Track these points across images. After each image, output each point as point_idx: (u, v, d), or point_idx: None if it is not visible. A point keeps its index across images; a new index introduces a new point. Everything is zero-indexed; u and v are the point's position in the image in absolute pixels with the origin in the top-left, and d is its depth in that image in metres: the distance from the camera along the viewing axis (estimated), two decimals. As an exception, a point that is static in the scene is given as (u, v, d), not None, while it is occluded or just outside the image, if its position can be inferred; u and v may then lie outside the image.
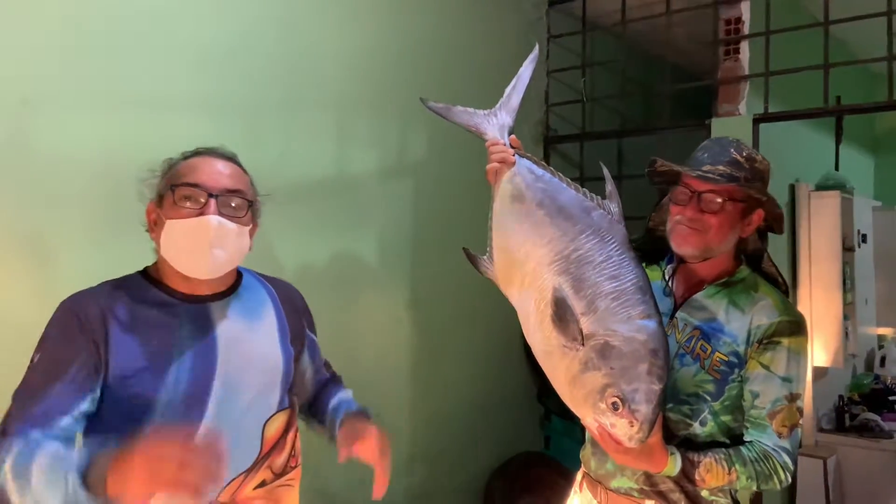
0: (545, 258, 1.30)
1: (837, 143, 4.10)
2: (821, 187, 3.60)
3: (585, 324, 1.24)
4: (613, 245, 1.29)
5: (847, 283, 3.47)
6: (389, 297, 2.60)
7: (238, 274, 1.34)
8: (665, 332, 1.27)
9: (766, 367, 1.38)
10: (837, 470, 3.37)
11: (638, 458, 1.30)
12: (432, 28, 2.74)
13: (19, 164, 1.67)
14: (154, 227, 1.25)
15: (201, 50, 2.00)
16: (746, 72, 2.89)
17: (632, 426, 1.20)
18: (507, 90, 1.49)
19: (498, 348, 2.99)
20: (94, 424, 1.16)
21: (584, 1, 3.23)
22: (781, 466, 1.36)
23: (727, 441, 1.43)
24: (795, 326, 1.41)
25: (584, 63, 3.27)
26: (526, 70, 1.49)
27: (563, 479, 1.76)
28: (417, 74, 2.66)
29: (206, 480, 0.99)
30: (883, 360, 4.04)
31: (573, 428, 3.17)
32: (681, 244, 1.43)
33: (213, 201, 1.20)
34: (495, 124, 1.46)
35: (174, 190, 1.20)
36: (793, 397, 1.38)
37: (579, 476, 1.63)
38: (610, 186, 1.36)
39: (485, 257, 1.42)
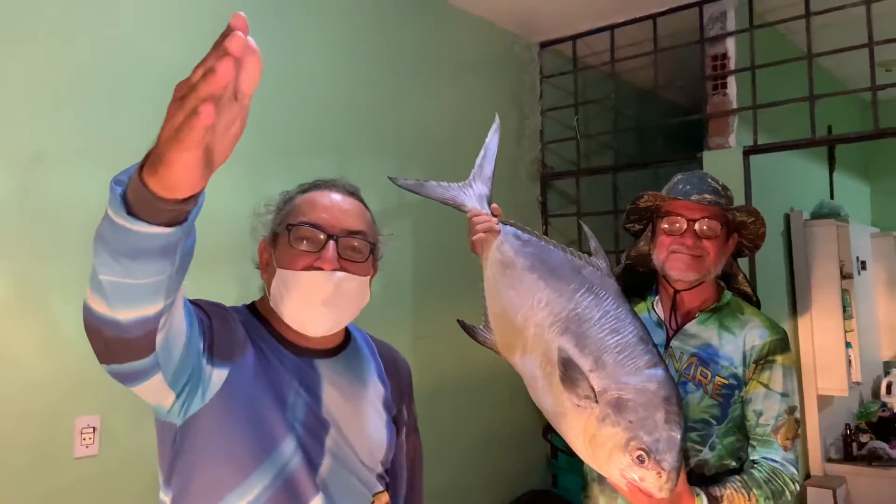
0: (545, 321, 1.31)
1: (831, 171, 4.15)
2: (815, 216, 3.63)
3: (595, 380, 1.24)
4: (608, 299, 1.31)
5: (847, 310, 3.48)
6: (392, 336, 2.58)
7: (346, 330, 1.20)
8: (673, 378, 1.29)
9: (766, 386, 1.48)
10: (847, 500, 3.33)
11: None
12: (427, 70, 2.82)
13: (30, 216, 1.72)
14: (266, 267, 1.12)
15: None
16: (734, 105, 2.96)
17: (660, 476, 1.20)
18: (478, 161, 1.49)
19: (502, 386, 2.99)
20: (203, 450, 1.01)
21: (574, 41, 3.32)
22: (790, 479, 1.44)
23: (734, 463, 1.48)
24: (785, 344, 1.53)
25: (576, 101, 3.35)
26: (492, 140, 1.50)
27: (570, 516, 1.78)
28: (415, 117, 2.74)
29: None
30: (889, 386, 4.01)
31: (579, 465, 3.14)
32: (683, 271, 1.48)
33: (331, 244, 1.06)
34: (472, 195, 1.46)
35: (290, 230, 1.07)
36: (791, 410, 1.49)
37: None
38: (594, 244, 1.38)
39: (481, 327, 1.41)
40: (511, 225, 1.43)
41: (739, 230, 1.54)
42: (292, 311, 1.07)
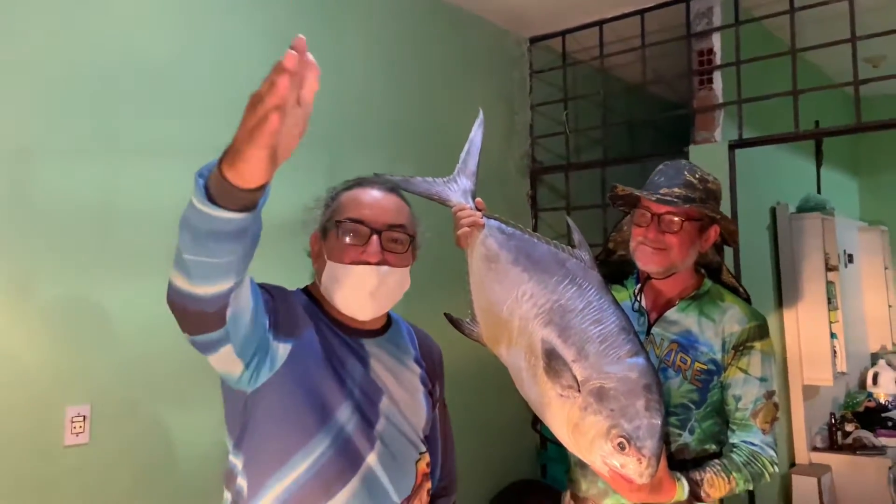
0: (529, 313, 1.33)
1: (818, 166, 4.19)
2: (802, 209, 3.68)
3: (578, 370, 1.27)
4: (591, 290, 1.33)
5: (832, 301, 3.53)
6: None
7: (388, 315, 1.34)
8: (654, 366, 1.32)
9: (745, 371, 1.51)
10: (831, 488, 3.38)
11: (651, 494, 1.34)
12: (419, 65, 2.85)
13: (14, 208, 1.74)
14: (317, 257, 1.26)
15: (193, 98, 2.09)
16: (720, 100, 2.99)
17: (641, 463, 1.22)
18: (462, 155, 1.51)
19: (490, 376, 3.02)
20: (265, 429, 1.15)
21: (563, 36, 3.35)
22: (769, 461, 1.48)
23: (714, 447, 1.53)
24: (763, 330, 1.56)
25: (565, 96, 3.38)
26: (476, 135, 1.52)
27: (559, 505, 1.81)
28: (404, 109, 2.76)
29: None
30: (875, 377, 4.06)
31: (568, 455, 3.20)
32: (646, 263, 1.55)
33: (375, 238, 1.19)
34: (457, 190, 1.48)
35: (338, 225, 1.20)
36: (769, 395, 1.52)
37: (566, 497, 1.69)
38: (577, 236, 1.40)
39: (467, 320, 1.44)
40: (495, 219, 1.45)
41: (719, 222, 1.57)
42: (343, 299, 1.21)
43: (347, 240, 1.19)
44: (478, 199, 1.48)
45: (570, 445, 1.32)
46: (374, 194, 1.24)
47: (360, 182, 1.27)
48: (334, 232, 1.20)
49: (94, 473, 1.79)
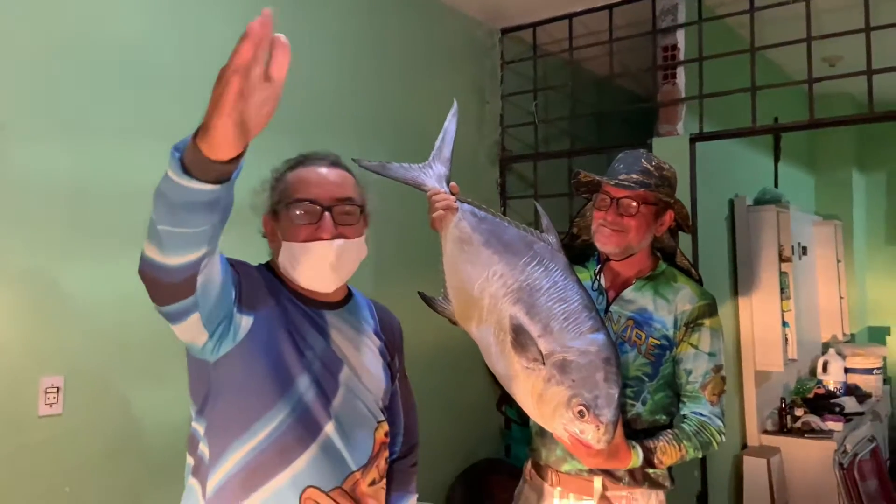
0: (498, 292, 1.40)
1: (776, 161, 4.35)
2: (758, 202, 3.82)
3: (543, 344, 1.34)
4: (557, 272, 1.41)
5: (785, 291, 3.68)
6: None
7: (348, 289, 1.39)
8: (613, 342, 1.40)
9: (695, 347, 1.63)
10: (780, 469, 3.54)
11: (607, 459, 1.44)
12: (391, 53, 2.90)
13: (-8, 183, 1.76)
14: (272, 238, 1.30)
15: (171, 79, 2.12)
16: (683, 95, 3.10)
17: (598, 429, 1.30)
18: (437, 143, 1.58)
19: (458, 358, 3.11)
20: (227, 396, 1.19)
21: (534, 28, 3.42)
22: (717, 431, 1.60)
23: (664, 417, 1.64)
24: (713, 308, 1.67)
25: (535, 87, 3.46)
26: (450, 124, 1.59)
27: (522, 483, 1.91)
28: (377, 97, 2.81)
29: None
30: (825, 365, 4.24)
31: (531, 427, 3.30)
32: (605, 244, 1.66)
33: (327, 215, 1.23)
34: (432, 175, 1.54)
35: (288, 207, 1.24)
36: (718, 369, 1.63)
37: (528, 466, 1.81)
38: (545, 221, 1.48)
39: (440, 298, 1.51)
40: (468, 203, 1.52)
41: (673, 207, 1.67)
42: (303, 275, 1.26)
43: (300, 220, 1.23)
44: (452, 184, 1.55)
45: (534, 414, 1.40)
46: (319, 171, 1.28)
47: (303, 160, 1.30)
48: (286, 213, 1.24)
49: (67, 443, 1.83)
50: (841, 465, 3.46)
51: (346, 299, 1.36)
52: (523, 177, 3.56)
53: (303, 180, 1.26)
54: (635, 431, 1.59)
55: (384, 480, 1.35)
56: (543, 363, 1.34)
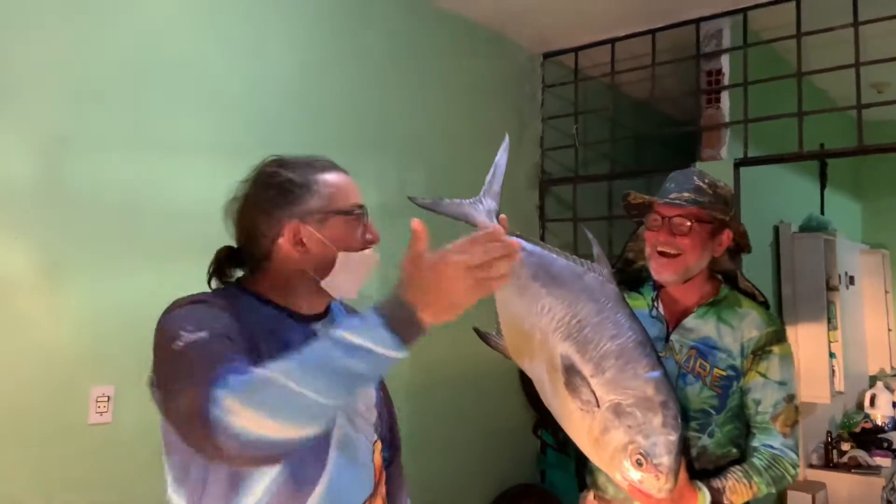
0: (548, 327, 1.35)
1: (822, 187, 4.27)
2: (804, 229, 3.75)
3: (596, 386, 1.28)
4: (608, 305, 1.35)
5: (832, 321, 3.59)
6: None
7: None
8: (671, 381, 1.33)
9: (764, 375, 1.53)
10: (826, 504, 3.43)
11: None
12: (434, 75, 2.94)
13: (48, 196, 1.83)
14: (297, 245, 1.15)
15: (220, 98, 2.19)
16: (727, 119, 3.08)
17: (658, 479, 1.24)
18: (488, 178, 1.56)
19: (495, 381, 3.09)
20: None
21: (576, 53, 3.45)
22: (790, 464, 1.50)
23: (734, 450, 1.55)
24: (781, 334, 1.58)
25: (576, 110, 3.47)
26: (501, 158, 1.57)
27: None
28: (419, 117, 2.86)
29: None
30: (873, 399, 4.11)
31: (567, 462, 3.26)
32: (661, 273, 1.58)
33: (370, 220, 1.20)
34: (482, 210, 1.51)
35: (342, 214, 1.17)
36: (790, 398, 1.53)
37: (589, 496, 1.68)
38: (597, 250, 1.42)
39: (493, 333, 1.47)
40: (517, 236, 1.45)
41: (728, 224, 1.59)
42: (343, 284, 1.18)
43: (355, 227, 1.17)
44: (502, 217, 1.48)
45: (593, 457, 1.34)
46: (346, 178, 1.22)
47: (320, 167, 1.21)
48: (341, 219, 1.16)
49: (116, 451, 1.87)
50: (889, 501, 3.33)
51: (327, 309, 1.25)
52: (562, 200, 3.56)
53: (339, 187, 1.19)
54: (704, 467, 1.51)
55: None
56: (598, 405, 1.28)
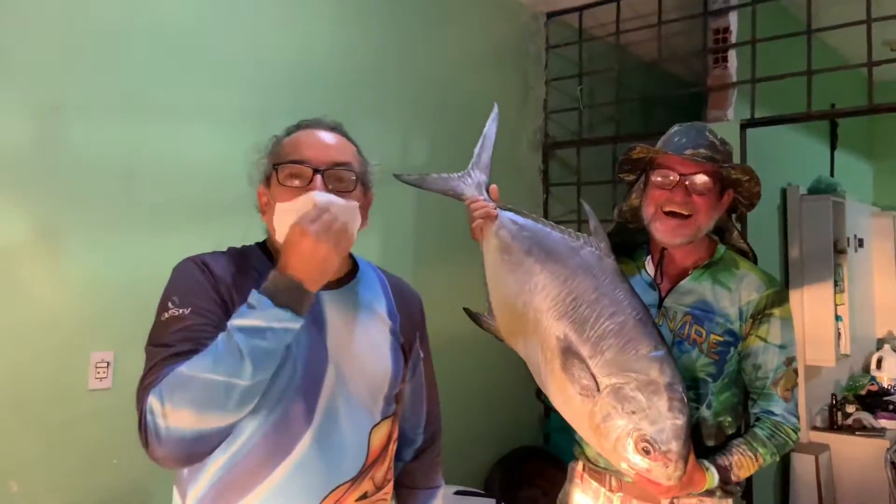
0: (542, 304, 1.28)
1: (832, 148, 4.19)
2: (813, 191, 3.69)
3: (595, 368, 1.21)
4: (605, 280, 1.28)
5: (839, 284, 3.55)
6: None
7: (354, 262, 1.25)
8: (675, 361, 1.26)
9: (764, 339, 1.46)
10: (829, 466, 3.44)
11: (681, 489, 1.30)
12: (435, 37, 2.88)
13: (45, 163, 1.81)
14: (266, 209, 1.17)
15: (217, 62, 2.15)
16: (734, 79, 3.01)
17: (667, 467, 1.18)
18: (476, 149, 1.49)
19: (496, 345, 3.09)
20: None
21: (580, 12, 3.36)
22: (791, 429, 1.45)
23: (730, 418, 1.49)
24: (782, 296, 1.50)
25: (580, 72, 3.40)
26: (490, 128, 1.50)
27: (561, 472, 1.83)
28: (420, 81, 2.81)
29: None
30: (879, 362, 4.10)
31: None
32: (672, 235, 1.46)
33: (318, 177, 1.10)
34: (471, 184, 1.45)
35: (277, 169, 1.12)
36: (789, 361, 1.47)
37: (578, 467, 1.63)
38: (594, 222, 1.35)
39: (485, 314, 1.41)
40: (509, 209, 1.41)
41: (735, 186, 1.49)
42: (278, 227, 1.10)
43: (290, 182, 1.11)
44: (492, 187, 1.45)
45: (595, 445, 1.28)
46: (316, 134, 1.16)
47: (301, 125, 1.19)
48: (275, 176, 1.13)
49: (115, 416, 1.88)
50: (893, 463, 3.34)
51: (348, 276, 1.21)
52: (566, 163, 3.51)
53: (296, 143, 1.15)
54: (701, 440, 1.45)
55: (383, 492, 1.19)
56: (598, 390, 1.20)
